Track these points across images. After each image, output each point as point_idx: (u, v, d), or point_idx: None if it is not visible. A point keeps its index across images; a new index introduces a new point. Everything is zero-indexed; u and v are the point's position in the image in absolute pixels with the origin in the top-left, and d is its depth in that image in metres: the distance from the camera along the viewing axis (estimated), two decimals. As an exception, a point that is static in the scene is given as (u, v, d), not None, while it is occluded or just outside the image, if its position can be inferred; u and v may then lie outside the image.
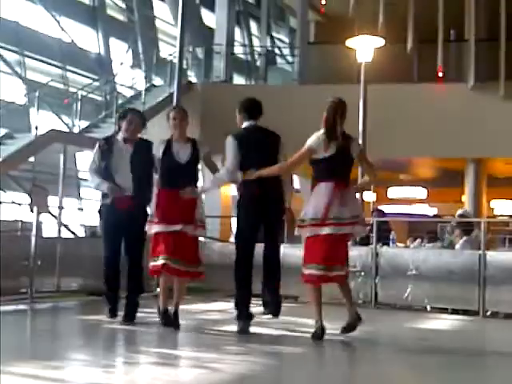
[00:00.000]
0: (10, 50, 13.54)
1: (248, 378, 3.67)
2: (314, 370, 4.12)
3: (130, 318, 5.23)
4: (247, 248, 4.93)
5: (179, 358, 4.26)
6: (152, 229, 5.01)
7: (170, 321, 4.96)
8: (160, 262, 4.90)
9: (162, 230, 4.94)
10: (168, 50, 16.07)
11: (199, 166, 5.22)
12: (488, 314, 6.66)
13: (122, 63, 16.37)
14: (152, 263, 5.01)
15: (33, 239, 6.71)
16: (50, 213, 8.22)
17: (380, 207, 10.45)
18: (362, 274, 7.18)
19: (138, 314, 5.70)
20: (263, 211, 4.91)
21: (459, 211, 8.65)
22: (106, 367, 3.80)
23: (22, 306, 6.42)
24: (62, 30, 14.83)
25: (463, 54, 13.37)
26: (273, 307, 5.08)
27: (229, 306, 6.74)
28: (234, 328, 4.95)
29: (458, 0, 13.06)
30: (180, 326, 4.95)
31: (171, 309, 5.00)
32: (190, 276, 5.12)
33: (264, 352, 4.43)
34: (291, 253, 6.52)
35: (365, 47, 9.71)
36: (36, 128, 10.87)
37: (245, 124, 5.13)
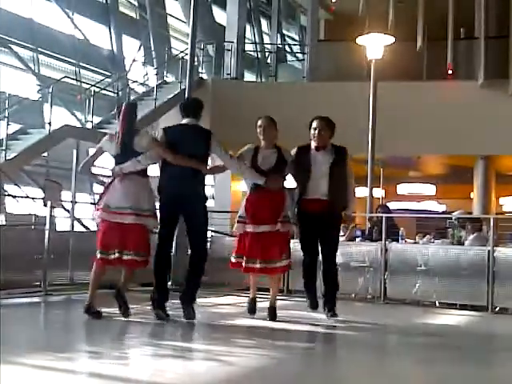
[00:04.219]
0: (24, 46, 13.66)
1: (258, 371, 3.70)
2: (322, 364, 4.16)
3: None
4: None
5: (190, 351, 4.29)
6: (243, 228, 5.39)
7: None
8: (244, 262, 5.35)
9: (251, 230, 5.33)
10: (180, 47, 16.16)
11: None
12: (497, 309, 6.71)
13: (134, 60, 16.47)
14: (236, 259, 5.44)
15: (46, 233, 6.82)
16: (63, 207, 8.31)
17: (388, 204, 10.49)
18: (371, 269, 7.25)
19: (149, 308, 5.79)
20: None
21: (456, 213, 8.70)
22: (117, 359, 3.84)
23: (35, 299, 6.51)
24: (76, 27, 14.94)
25: (473, 52, 13.34)
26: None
27: (239, 299, 6.84)
28: (244, 322, 5.00)
29: (468, -2, 13.06)
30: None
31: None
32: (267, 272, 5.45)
33: (274, 346, 4.46)
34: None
35: (375, 45, 9.74)
36: (49, 124, 10.95)
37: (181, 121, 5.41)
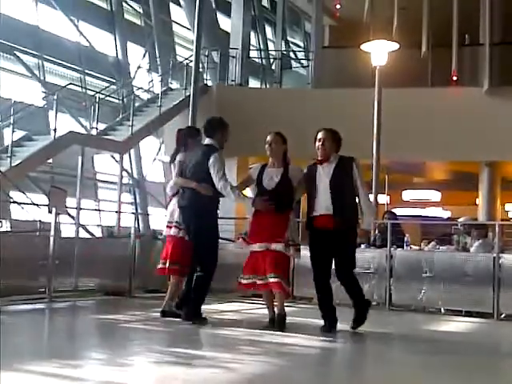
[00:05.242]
0: (29, 53, 13.73)
1: (261, 378, 3.71)
2: (326, 370, 4.16)
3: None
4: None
5: (194, 358, 4.29)
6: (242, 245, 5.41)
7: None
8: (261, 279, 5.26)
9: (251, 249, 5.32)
10: (184, 54, 16.22)
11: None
12: (502, 316, 6.68)
13: (139, 67, 16.54)
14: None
15: (51, 239, 6.83)
16: (68, 213, 8.34)
17: (393, 210, 10.48)
18: (376, 276, 7.23)
19: (155, 314, 5.80)
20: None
21: (461, 219, 8.68)
22: (122, 366, 3.84)
23: (40, 306, 6.52)
24: (81, 34, 15.02)
25: (478, 58, 13.33)
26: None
27: (243, 306, 6.84)
28: (248, 328, 4.99)
29: (473, 4, 13.06)
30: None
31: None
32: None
33: (278, 352, 4.46)
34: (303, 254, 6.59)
35: (379, 51, 9.74)
36: (54, 130, 10.99)
37: None
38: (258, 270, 5.21)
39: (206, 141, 5.48)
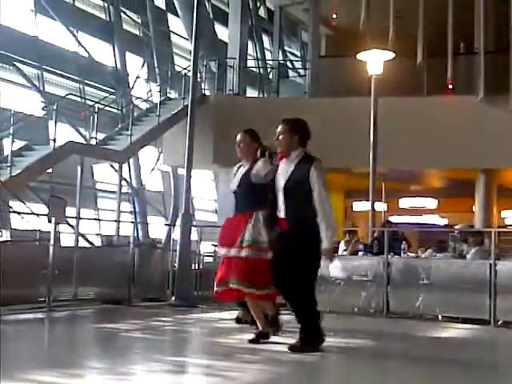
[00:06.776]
0: (28, 64, 13.80)
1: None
2: (325, 379, 4.18)
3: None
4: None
5: (193, 366, 4.30)
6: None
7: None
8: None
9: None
10: (182, 64, 16.31)
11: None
12: (499, 323, 6.72)
13: (137, 77, 16.63)
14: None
15: (51, 249, 6.87)
16: (67, 223, 8.39)
17: (390, 218, 10.55)
18: (374, 283, 7.28)
19: (154, 323, 5.83)
20: None
21: (458, 226, 8.75)
22: (122, 375, 3.84)
23: (40, 315, 6.54)
24: (80, 44, 15.11)
25: (473, 67, 13.43)
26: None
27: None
28: (247, 336, 5.02)
29: (468, 13, 13.17)
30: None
31: None
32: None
33: (277, 360, 4.46)
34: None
35: (375, 60, 9.84)
36: (54, 140, 11.05)
37: None
38: (225, 277, 4.92)
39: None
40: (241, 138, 5.11)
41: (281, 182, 4.62)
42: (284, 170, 4.63)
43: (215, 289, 5.01)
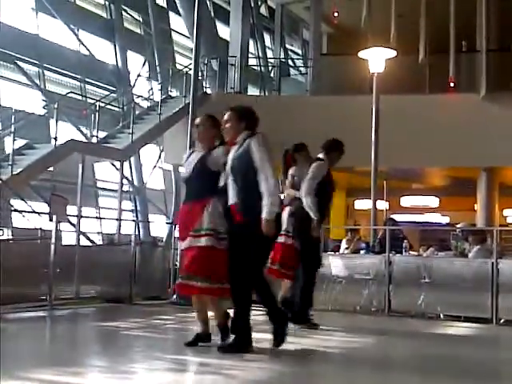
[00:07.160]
0: (29, 62, 13.81)
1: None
2: (327, 377, 4.17)
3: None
4: None
5: (195, 365, 4.30)
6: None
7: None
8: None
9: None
10: (184, 62, 16.31)
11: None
12: (501, 321, 6.71)
13: (139, 75, 16.62)
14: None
15: (52, 247, 6.87)
16: (68, 221, 8.38)
17: (392, 216, 10.54)
18: (376, 282, 7.28)
19: (155, 321, 5.82)
20: None
21: (460, 225, 8.74)
22: (124, 373, 3.85)
23: (41, 313, 6.55)
24: (81, 43, 15.11)
25: (475, 65, 13.42)
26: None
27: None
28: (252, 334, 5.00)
29: (469, 11, 13.15)
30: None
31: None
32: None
33: (279, 359, 4.46)
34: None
35: (377, 58, 9.82)
36: (55, 138, 11.05)
37: None
38: (184, 270, 4.56)
39: (320, 155, 5.93)
40: (201, 121, 4.76)
41: (228, 166, 4.50)
42: (231, 156, 4.51)
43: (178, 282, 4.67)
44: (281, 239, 5.74)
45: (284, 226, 5.74)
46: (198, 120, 4.79)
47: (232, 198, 4.46)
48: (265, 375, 3.99)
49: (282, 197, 6.03)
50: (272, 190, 4.33)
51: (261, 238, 4.32)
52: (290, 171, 6.13)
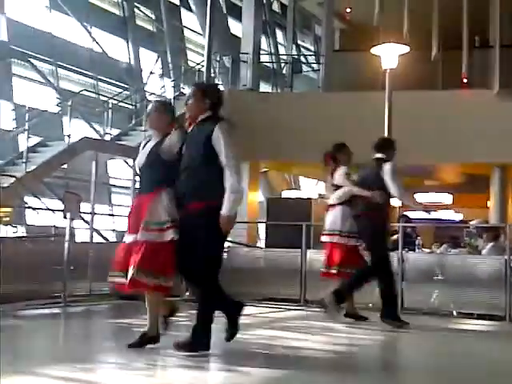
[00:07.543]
0: (43, 60, 13.90)
1: (275, 382, 3.73)
2: (339, 374, 4.15)
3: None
4: None
5: (208, 362, 4.30)
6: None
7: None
8: None
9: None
10: (196, 59, 16.34)
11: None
12: (515, 319, 6.67)
13: (151, 72, 16.67)
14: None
15: (66, 244, 6.91)
16: (82, 218, 8.44)
17: (405, 213, 10.50)
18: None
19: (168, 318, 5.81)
20: None
21: (473, 222, 8.68)
22: (137, 370, 3.86)
23: (55, 310, 6.59)
24: (94, 40, 15.18)
25: (488, 61, 13.31)
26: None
27: (256, 310, 6.88)
28: (260, 332, 5.02)
29: (483, 7, 13.04)
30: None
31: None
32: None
33: (293, 357, 4.46)
34: (316, 257, 6.66)
35: (389, 54, 9.77)
36: (69, 136, 11.13)
37: None
38: (124, 265, 4.30)
39: (378, 155, 6.12)
40: (153, 107, 4.44)
41: (192, 150, 4.12)
42: (192, 138, 4.16)
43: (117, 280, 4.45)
44: (333, 239, 5.94)
45: (334, 226, 5.91)
46: (149, 106, 4.50)
47: (183, 186, 4.14)
48: (276, 373, 3.97)
49: (335, 197, 6.11)
50: (236, 187, 4.03)
51: (214, 229, 4.01)
52: (342, 170, 6.13)
